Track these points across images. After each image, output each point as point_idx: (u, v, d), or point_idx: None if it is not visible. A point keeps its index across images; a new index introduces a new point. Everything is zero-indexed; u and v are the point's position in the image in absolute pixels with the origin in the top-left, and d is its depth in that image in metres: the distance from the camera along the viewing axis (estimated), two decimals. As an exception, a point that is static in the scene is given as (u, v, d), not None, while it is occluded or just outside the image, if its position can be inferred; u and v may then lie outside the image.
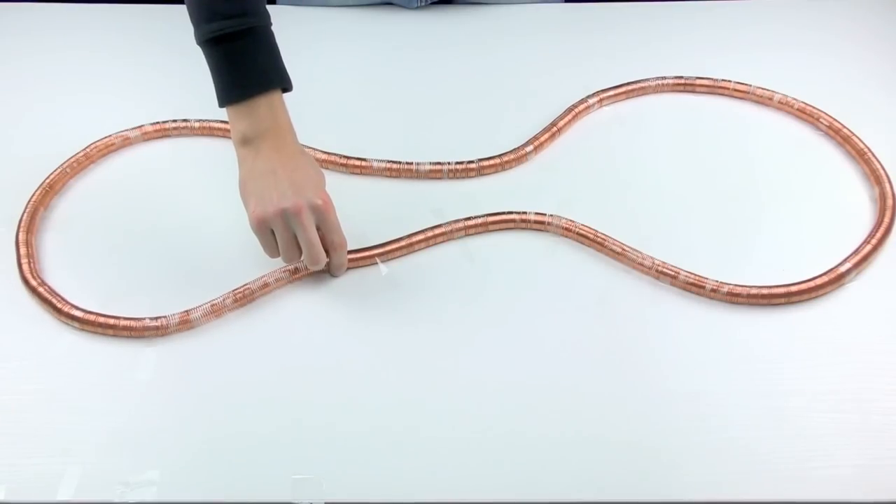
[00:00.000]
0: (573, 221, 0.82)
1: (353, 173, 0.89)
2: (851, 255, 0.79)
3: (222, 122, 0.93)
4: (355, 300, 0.78)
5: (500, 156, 0.90)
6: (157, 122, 0.94)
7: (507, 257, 0.82)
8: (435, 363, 0.73)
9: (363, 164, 0.89)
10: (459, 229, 0.83)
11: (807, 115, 0.94)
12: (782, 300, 0.76)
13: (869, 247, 0.79)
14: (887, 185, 0.85)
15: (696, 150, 0.92)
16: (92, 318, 0.75)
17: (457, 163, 0.89)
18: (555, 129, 0.92)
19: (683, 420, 0.69)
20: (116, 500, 0.64)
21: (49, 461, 0.66)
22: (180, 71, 0.99)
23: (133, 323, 0.74)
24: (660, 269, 0.78)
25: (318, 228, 0.75)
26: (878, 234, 0.80)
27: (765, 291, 0.76)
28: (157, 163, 0.92)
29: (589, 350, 0.73)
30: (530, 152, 0.91)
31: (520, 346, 0.74)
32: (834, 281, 0.77)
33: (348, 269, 0.80)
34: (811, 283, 0.76)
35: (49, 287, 0.77)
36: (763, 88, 0.96)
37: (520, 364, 0.73)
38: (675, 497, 0.65)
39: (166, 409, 0.70)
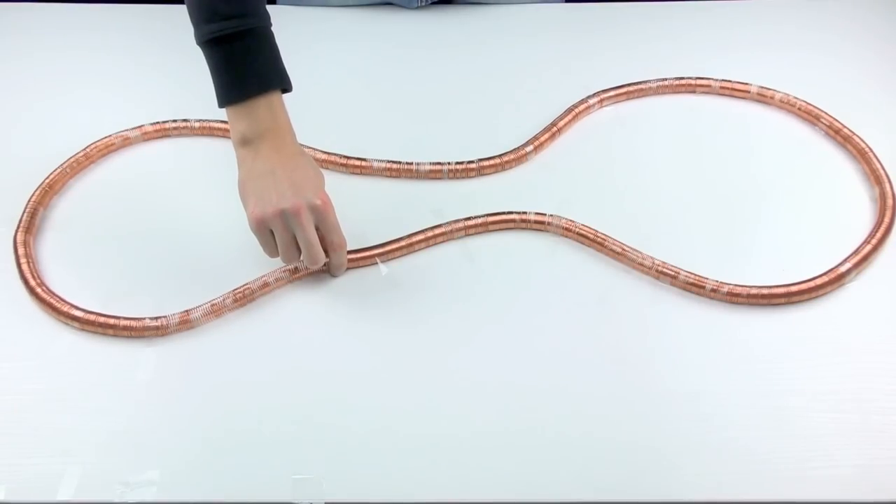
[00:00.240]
0: (573, 221, 0.82)
1: (353, 173, 0.89)
2: (851, 254, 0.79)
3: (222, 122, 0.93)
4: (355, 300, 0.78)
5: (500, 156, 0.90)
6: (157, 122, 0.94)
7: (507, 257, 0.82)
8: (435, 363, 0.73)
9: (363, 164, 0.89)
10: (459, 229, 0.83)
11: (807, 114, 0.94)
12: (782, 300, 0.76)
13: (869, 247, 0.79)
14: (887, 185, 0.85)
15: (696, 151, 0.92)
16: (92, 318, 0.75)
17: (457, 163, 0.89)
18: (555, 129, 0.92)
19: (683, 420, 0.69)
20: (116, 500, 0.64)
21: (49, 461, 0.66)
22: (180, 71, 0.99)
23: (133, 323, 0.74)
24: (660, 269, 0.78)
25: (317, 228, 0.75)
26: (878, 234, 0.80)
27: (765, 291, 0.76)
28: (157, 163, 0.92)
29: (589, 350, 0.73)
30: (530, 152, 0.91)
31: (520, 346, 0.74)
32: (834, 281, 0.77)
33: (348, 269, 0.80)
34: (811, 283, 0.76)
35: (48, 287, 0.77)
36: (764, 88, 0.96)
37: (520, 364, 0.73)
38: (675, 497, 0.65)
39: (166, 409, 0.70)
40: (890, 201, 0.83)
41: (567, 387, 0.71)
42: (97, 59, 1.04)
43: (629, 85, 0.97)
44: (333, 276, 0.80)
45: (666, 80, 0.98)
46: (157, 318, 0.75)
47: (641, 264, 0.79)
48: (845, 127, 0.91)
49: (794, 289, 0.76)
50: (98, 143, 0.91)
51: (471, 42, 1.06)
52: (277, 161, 0.74)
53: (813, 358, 0.72)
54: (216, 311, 0.76)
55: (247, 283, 0.77)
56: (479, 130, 0.94)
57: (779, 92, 0.95)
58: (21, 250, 0.80)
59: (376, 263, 0.81)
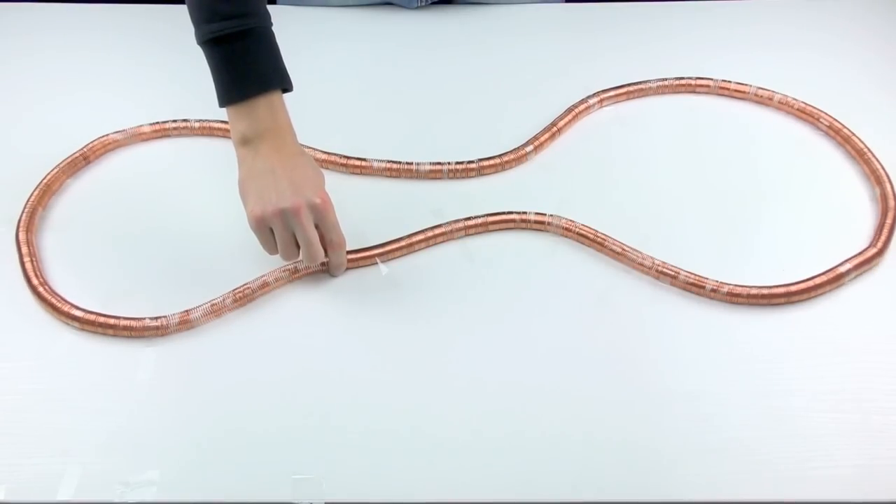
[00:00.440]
0: (573, 221, 0.82)
1: (353, 173, 0.89)
2: (853, 256, 0.79)
3: (222, 121, 0.93)
4: (355, 300, 0.78)
5: (500, 156, 0.90)
6: (157, 122, 0.94)
7: (507, 257, 0.82)
8: (435, 363, 0.73)
9: (363, 164, 0.89)
10: (459, 229, 0.83)
11: (807, 115, 0.94)
12: (782, 300, 0.76)
13: (869, 247, 0.79)
14: (887, 185, 0.85)
15: (696, 151, 0.92)
16: (92, 318, 0.75)
17: (457, 163, 0.89)
18: (555, 129, 0.92)
19: (683, 420, 0.69)
20: (116, 500, 0.64)
21: (49, 461, 0.66)
22: (180, 71, 0.99)
23: (133, 323, 0.74)
24: (660, 269, 0.78)
25: (316, 227, 0.75)
26: (878, 235, 0.80)
27: (764, 291, 0.76)
28: (157, 163, 0.92)
29: (589, 350, 0.73)
30: (530, 152, 0.91)
31: (520, 345, 0.74)
32: (833, 281, 0.77)
33: (348, 269, 0.80)
34: (811, 283, 0.76)
35: (49, 287, 0.77)
36: (763, 88, 0.96)
37: (520, 364, 0.73)
38: (675, 497, 0.65)
39: (166, 409, 0.70)
40: (890, 201, 0.83)
41: (567, 386, 0.71)
42: (97, 59, 1.04)
43: (629, 85, 0.97)
44: (333, 275, 0.80)
45: (666, 80, 0.98)
46: (157, 318, 0.75)
47: (641, 264, 0.79)
48: (845, 127, 0.91)
49: (793, 288, 0.76)
50: (97, 143, 0.91)
51: (471, 42, 1.06)
52: (277, 160, 0.74)
53: (813, 358, 0.72)
54: (216, 311, 0.76)
55: (246, 283, 0.77)
56: (479, 130, 0.94)
57: (778, 92, 0.95)
58: (24, 249, 0.80)
59: (376, 263, 0.81)
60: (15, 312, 0.77)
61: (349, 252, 0.79)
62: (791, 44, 1.04)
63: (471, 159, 0.89)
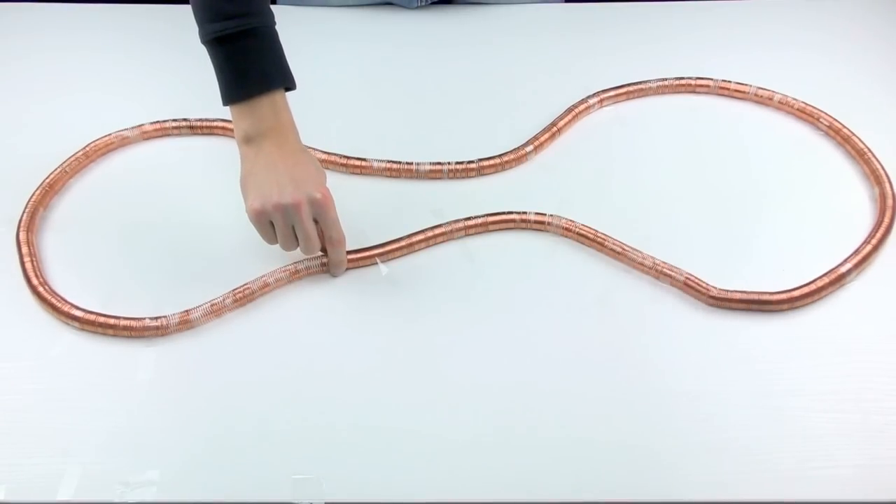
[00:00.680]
0: (573, 221, 0.82)
1: (353, 173, 0.90)
2: (852, 255, 0.79)
3: (222, 121, 0.93)
4: (355, 300, 0.78)
5: (500, 156, 0.90)
6: (157, 122, 0.94)
7: (507, 257, 0.82)
8: (435, 363, 0.73)
9: (363, 164, 0.89)
10: (459, 229, 0.83)
11: (807, 115, 0.94)
12: (785, 306, 0.76)
13: (869, 247, 0.79)
14: (887, 185, 0.85)
15: (696, 151, 0.92)
16: (92, 318, 0.75)
17: (457, 163, 0.89)
18: (555, 129, 0.92)
19: (683, 420, 0.69)
20: (116, 500, 0.64)
21: (49, 461, 0.66)
22: (180, 70, 0.99)
23: (133, 323, 0.74)
24: (660, 269, 0.78)
25: (316, 224, 0.75)
26: (878, 234, 0.80)
27: (766, 297, 0.76)
28: (157, 162, 0.92)
29: (589, 350, 0.73)
30: (530, 152, 0.91)
31: (520, 345, 0.74)
32: (835, 282, 0.77)
33: (348, 269, 0.80)
34: (813, 286, 0.76)
35: (49, 287, 0.77)
36: (763, 88, 0.96)
37: (520, 364, 0.73)
38: (675, 497, 0.65)
39: (166, 409, 0.70)
40: (890, 201, 0.83)
41: (567, 387, 0.71)
42: (97, 59, 1.04)
43: (629, 85, 0.97)
44: (333, 275, 0.80)
45: (666, 80, 0.98)
46: (157, 318, 0.75)
47: (641, 264, 0.79)
48: (845, 127, 0.91)
49: (796, 293, 0.76)
50: (98, 143, 0.91)
51: (471, 42, 1.06)
52: (279, 157, 0.75)
53: (813, 358, 0.72)
54: (216, 311, 0.76)
55: (247, 283, 0.77)
56: (479, 130, 0.94)
57: (778, 92, 0.95)
58: (24, 249, 0.80)
59: (376, 263, 0.81)
60: (15, 312, 0.77)
61: (349, 252, 0.79)
62: (791, 44, 1.04)
63: (471, 159, 0.89)
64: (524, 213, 0.83)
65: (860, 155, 0.89)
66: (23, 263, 0.79)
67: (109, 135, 0.92)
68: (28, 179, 0.87)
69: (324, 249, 0.79)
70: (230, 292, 0.77)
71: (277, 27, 0.76)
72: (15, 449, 0.67)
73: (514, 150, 0.90)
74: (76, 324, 0.75)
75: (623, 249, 0.80)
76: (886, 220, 0.82)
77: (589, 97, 0.96)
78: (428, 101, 0.98)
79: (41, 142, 0.93)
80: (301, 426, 0.69)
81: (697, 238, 0.82)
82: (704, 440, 0.67)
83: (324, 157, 0.89)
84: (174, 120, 0.94)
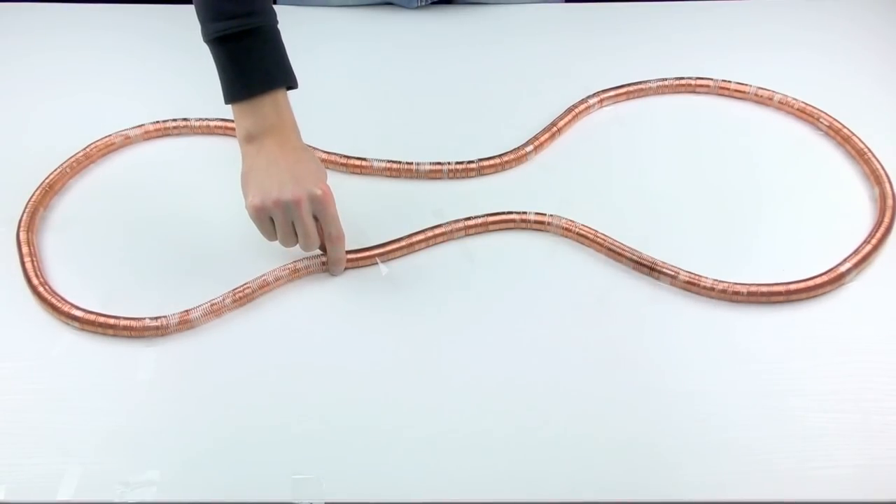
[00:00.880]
0: (573, 221, 0.82)
1: (353, 173, 0.90)
2: (851, 254, 0.79)
3: (223, 121, 0.93)
4: (355, 300, 0.78)
5: (500, 156, 0.90)
6: (158, 122, 0.94)
7: (507, 257, 0.82)
8: (435, 363, 0.73)
9: (363, 164, 0.89)
10: (459, 229, 0.83)
11: (807, 115, 0.94)
12: (782, 298, 0.76)
13: (869, 247, 0.79)
14: (887, 185, 0.85)
15: (696, 151, 0.92)
16: (92, 318, 0.75)
17: (457, 163, 0.89)
18: (555, 129, 0.92)
19: (683, 420, 0.69)
20: (116, 500, 0.64)
21: (49, 461, 0.66)
22: (180, 70, 0.99)
23: (133, 323, 0.74)
24: (660, 269, 0.78)
25: (316, 221, 0.75)
26: (878, 234, 0.80)
27: (764, 290, 0.76)
28: (158, 162, 0.92)
29: (589, 350, 0.73)
30: (530, 152, 0.91)
31: (519, 345, 0.74)
32: (834, 280, 0.77)
33: (348, 269, 0.80)
34: (811, 283, 0.76)
35: (49, 287, 0.77)
36: (763, 88, 0.96)
37: (519, 364, 0.73)
38: (675, 497, 0.65)
39: (166, 409, 0.70)
40: (890, 201, 0.83)
41: (567, 386, 0.71)
42: (97, 59, 1.04)
43: (629, 85, 0.97)
44: (332, 273, 0.80)
45: (666, 80, 0.98)
46: (157, 318, 0.75)
47: (641, 264, 0.79)
48: (845, 127, 0.91)
49: (793, 287, 0.76)
50: (98, 143, 0.91)
51: (471, 42, 1.06)
52: (280, 155, 0.75)
53: (813, 358, 0.72)
54: (216, 310, 0.76)
55: (247, 283, 0.77)
56: (479, 130, 0.94)
57: (778, 92, 0.95)
58: (24, 249, 0.80)
59: (376, 263, 0.81)
60: (15, 312, 0.77)
61: (349, 252, 0.79)
62: (791, 44, 1.04)
63: (471, 159, 0.89)
64: (524, 213, 0.83)
65: (860, 155, 0.89)
66: (23, 263, 0.79)
67: (110, 135, 0.92)
68: (28, 179, 0.87)
69: (323, 247, 0.79)
70: (230, 292, 0.77)
71: (278, 27, 0.76)
72: (15, 449, 0.67)
73: (514, 150, 0.90)
74: (76, 324, 0.75)
75: (623, 249, 0.80)
76: (886, 220, 0.82)
77: (589, 97, 0.96)
78: (428, 101, 0.98)
79: (41, 142, 0.93)
80: (301, 426, 0.69)
81: (697, 238, 0.82)
82: (704, 440, 0.67)
83: (324, 156, 0.89)
84: (174, 120, 0.94)
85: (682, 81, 0.98)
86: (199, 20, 0.74)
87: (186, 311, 0.75)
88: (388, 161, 0.89)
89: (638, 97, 0.98)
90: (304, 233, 0.75)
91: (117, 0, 1.11)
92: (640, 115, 0.96)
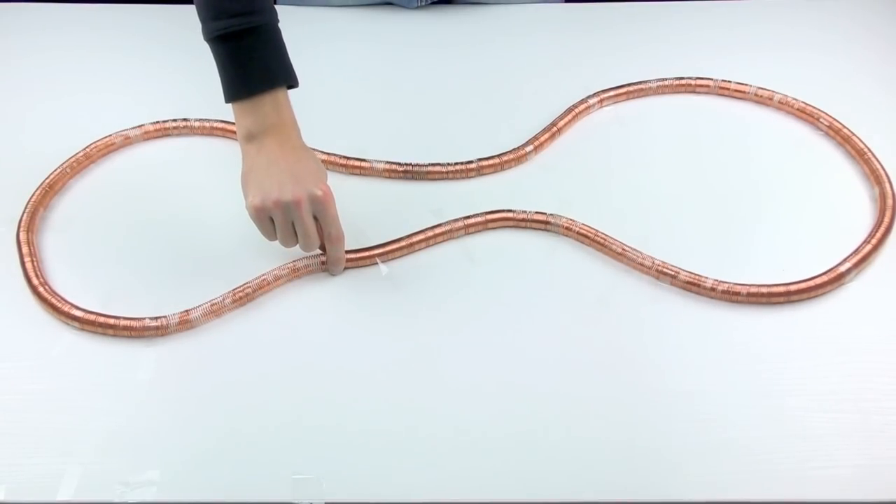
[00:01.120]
0: (573, 221, 0.82)
1: (353, 173, 0.90)
2: (851, 254, 0.79)
3: (223, 121, 0.93)
4: (355, 300, 0.78)
5: (499, 156, 0.90)
6: (158, 122, 0.94)
7: (507, 257, 0.82)
8: (435, 363, 0.73)
9: (363, 164, 0.89)
10: (459, 228, 0.83)
11: (807, 115, 0.94)
12: (782, 299, 0.76)
13: (869, 247, 0.79)
14: (887, 185, 0.85)
15: (696, 151, 0.92)
16: (92, 318, 0.75)
17: (457, 163, 0.89)
18: (555, 129, 0.92)
19: (683, 420, 0.69)
20: (116, 500, 0.64)
21: (49, 461, 0.66)
22: (180, 70, 0.99)
23: (133, 323, 0.74)
24: (660, 268, 0.78)
25: (316, 221, 0.75)
26: (878, 234, 0.80)
27: (764, 290, 0.76)
28: (158, 162, 0.92)
29: (589, 349, 0.73)
30: (530, 152, 0.91)
31: (520, 345, 0.74)
32: (834, 280, 0.77)
33: (348, 268, 0.80)
34: (811, 283, 0.76)
35: (49, 287, 0.77)
36: (763, 88, 0.96)
37: (520, 364, 0.73)
38: (675, 497, 0.65)
39: (166, 409, 0.70)
40: (890, 201, 0.83)
41: (567, 386, 0.71)
42: (97, 59, 1.04)
43: (629, 85, 0.97)
44: (331, 273, 0.80)
45: (666, 80, 0.98)
46: (157, 318, 0.75)
47: (641, 264, 0.79)
48: (845, 127, 0.91)
49: (793, 287, 0.76)
50: (98, 143, 0.91)
51: (471, 42, 1.06)
52: (281, 154, 0.75)
53: (813, 358, 0.72)
54: (216, 310, 0.76)
55: (247, 283, 0.77)
56: (479, 130, 0.94)
57: (778, 92, 0.95)
58: (24, 249, 0.80)
59: (376, 263, 0.81)
60: (15, 312, 0.77)
61: (349, 252, 0.79)
62: (791, 44, 1.04)
63: (470, 159, 0.89)
64: (524, 212, 0.83)
65: (860, 155, 0.89)
66: (23, 263, 0.79)
67: (110, 135, 0.92)
68: (28, 179, 0.87)
69: (323, 247, 0.79)
70: (230, 292, 0.77)
71: (279, 26, 0.76)
72: (15, 449, 0.67)
73: (514, 149, 0.90)
74: (76, 324, 0.75)
75: (623, 249, 0.80)
76: (886, 220, 0.82)
77: (589, 97, 0.96)
78: (428, 101, 0.98)
79: (41, 142, 0.93)
80: (301, 426, 0.69)
81: (697, 238, 0.82)
82: (704, 440, 0.67)
83: (324, 157, 0.89)
84: (174, 120, 0.94)
85: (682, 81, 0.98)
86: (200, 18, 0.74)
87: (186, 311, 0.75)
88: (388, 162, 0.89)
89: (638, 97, 0.98)
90: (304, 233, 0.75)
91: (117, 0, 1.11)
92: (640, 115, 0.96)
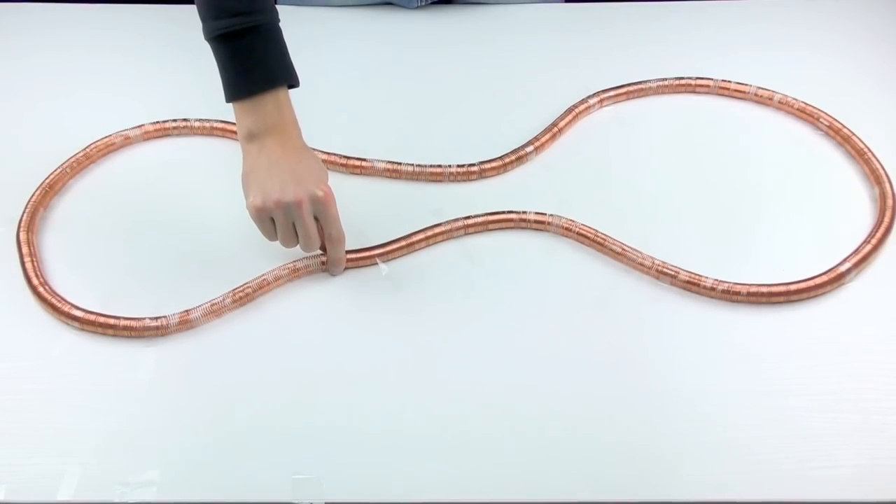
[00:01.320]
0: (573, 221, 0.82)
1: (353, 173, 0.89)
2: (851, 254, 0.79)
3: (223, 121, 0.93)
4: (355, 300, 0.78)
5: (500, 157, 0.90)
6: (158, 122, 0.94)
7: (507, 257, 0.82)
8: (435, 363, 0.73)
9: (363, 164, 0.89)
10: (459, 229, 0.83)
11: (807, 114, 0.94)
12: (782, 298, 0.76)
13: (869, 247, 0.79)
14: (887, 185, 0.85)
15: (696, 151, 0.92)
16: (92, 318, 0.75)
17: (458, 166, 0.88)
18: (555, 129, 0.92)
19: (683, 420, 0.69)
20: (116, 500, 0.64)
21: (49, 461, 0.66)
22: (180, 70, 0.99)
23: (133, 323, 0.74)
24: (660, 268, 0.78)
25: (316, 221, 0.75)
26: (878, 234, 0.80)
27: (764, 290, 0.76)
28: (158, 162, 0.92)
29: (589, 350, 0.73)
30: (531, 153, 0.91)
31: (520, 345, 0.74)
32: (834, 280, 0.77)
33: (348, 268, 0.80)
34: (811, 283, 0.76)
35: (49, 287, 0.77)
36: (763, 88, 0.96)
37: (519, 364, 0.73)
38: (675, 497, 0.65)
39: (166, 409, 0.70)
40: (890, 201, 0.83)
41: (567, 386, 0.71)
42: (97, 59, 1.04)
43: (629, 85, 0.97)
44: (332, 273, 0.80)
45: (666, 80, 0.98)
46: (157, 318, 0.75)
47: (641, 264, 0.79)
48: (845, 127, 0.91)
49: (793, 287, 0.76)
50: (98, 143, 0.91)
51: (471, 42, 1.06)
52: (282, 154, 0.75)
53: (813, 358, 0.72)
54: (216, 310, 0.76)
55: (247, 283, 0.77)
56: (479, 131, 0.94)
57: (778, 92, 0.95)
58: (24, 249, 0.80)
59: (376, 263, 0.81)
60: (15, 312, 0.77)
61: (349, 252, 0.79)
62: (791, 44, 1.04)
63: (472, 162, 0.89)
64: (524, 212, 0.83)
65: (860, 155, 0.89)
66: (23, 263, 0.79)
67: (110, 135, 0.92)
68: (28, 179, 0.87)
69: (323, 248, 0.79)
70: (230, 292, 0.77)
71: (280, 25, 0.76)
72: (15, 449, 0.67)
73: (515, 150, 0.90)
74: (76, 324, 0.75)
75: (623, 249, 0.80)
76: (886, 220, 0.82)
77: (589, 97, 0.96)
78: (428, 101, 0.98)
79: (41, 142, 0.93)
80: (301, 426, 0.69)
81: (697, 238, 0.82)
82: (704, 440, 0.67)
83: (324, 157, 0.89)
84: (174, 120, 0.94)
85: (682, 81, 0.98)
86: (201, 18, 0.74)
87: (186, 311, 0.75)
88: (389, 162, 0.89)
89: (638, 97, 0.98)
90: (305, 233, 0.75)
91: (117, 0, 1.11)
92: (640, 115, 0.96)
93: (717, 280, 0.77)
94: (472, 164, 0.89)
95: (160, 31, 1.06)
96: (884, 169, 0.86)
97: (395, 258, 0.81)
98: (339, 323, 0.76)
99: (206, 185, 0.88)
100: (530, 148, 0.90)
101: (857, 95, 0.96)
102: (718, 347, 0.74)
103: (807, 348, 0.73)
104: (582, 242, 0.82)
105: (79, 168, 0.90)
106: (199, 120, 0.94)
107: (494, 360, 0.73)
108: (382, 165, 0.89)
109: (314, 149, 0.86)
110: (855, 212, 0.84)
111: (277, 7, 0.76)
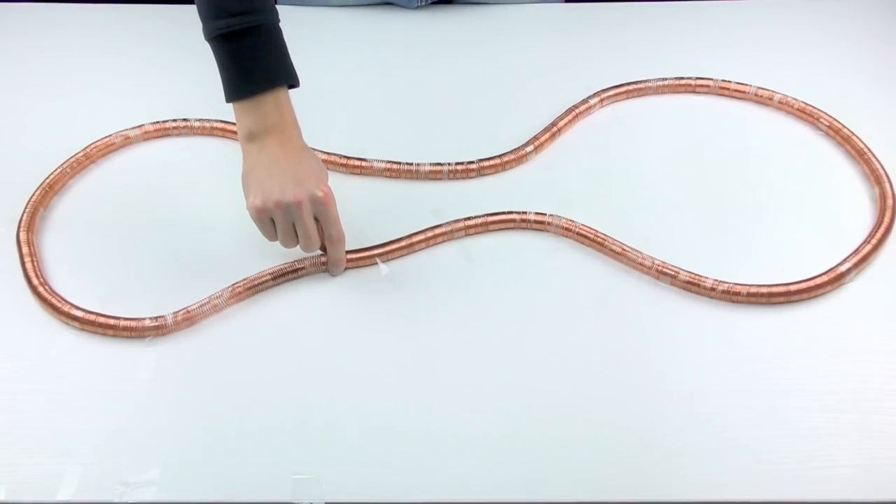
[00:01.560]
0: (573, 221, 0.82)
1: (353, 173, 0.90)
2: (851, 254, 0.79)
3: (223, 121, 0.93)
4: (355, 300, 0.78)
5: (500, 156, 0.90)
6: (158, 122, 0.94)
7: (507, 257, 0.82)
8: (435, 363, 0.73)
9: (363, 164, 0.89)
10: (459, 229, 0.83)
11: (807, 114, 0.94)
12: (782, 299, 0.76)
13: (869, 247, 0.79)
14: (887, 185, 0.85)
15: (696, 151, 0.92)
16: (92, 318, 0.75)
17: (457, 163, 0.89)
18: (555, 129, 0.92)
19: (683, 420, 0.69)
20: (116, 500, 0.64)
21: (49, 461, 0.66)
22: (180, 70, 0.99)
23: (133, 323, 0.74)
24: (660, 268, 0.78)
25: (316, 221, 0.75)
26: (878, 234, 0.80)
27: (764, 290, 0.76)
28: (158, 162, 0.92)
29: (589, 350, 0.73)
30: (530, 152, 0.91)
31: (520, 345, 0.74)
32: (834, 280, 0.77)
33: (348, 268, 0.80)
34: (811, 283, 0.76)
35: (49, 287, 0.77)
36: (763, 88, 0.96)
37: (520, 364, 0.73)
38: (675, 497, 0.65)
39: (166, 409, 0.70)
40: (890, 201, 0.83)
41: (567, 387, 0.71)
42: (97, 59, 1.04)
43: (629, 85, 0.97)
44: (332, 273, 0.80)
45: (666, 80, 0.98)
46: (157, 318, 0.75)
47: (641, 264, 0.79)
48: (845, 127, 0.91)
49: (793, 287, 0.76)
50: (98, 143, 0.91)
51: (471, 42, 1.06)
52: (282, 155, 0.75)
53: (813, 358, 0.72)
54: (216, 309, 0.76)
55: (247, 281, 0.77)
56: (479, 130, 0.94)
57: (778, 92, 0.95)
58: (24, 249, 0.80)
59: (376, 263, 0.81)
60: (15, 312, 0.77)
61: (349, 252, 0.79)
62: (791, 44, 1.04)
63: (471, 160, 0.89)
64: (524, 212, 0.83)
65: (860, 155, 0.89)
66: (23, 263, 0.79)
67: (110, 135, 0.92)
68: (28, 179, 0.87)
69: (323, 248, 0.79)
70: (229, 290, 0.77)
71: (280, 25, 0.76)
72: (15, 449, 0.67)
73: (515, 150, 0.90)
74: (76, 324, 0.75)
75: (623, 249, 0.80)
76: (886, 220, 0.82)
77: (589, 97, 0.96)
78: (428, 101, 0.98)
79: (41, 142, 0.93)
80: (301, 425, 0.69)
81: (697, 238, 0.82)
82: (704, 440, 0.67)
83: (324, 157, 0.89)
84: (174, 120, 0.94)
85: (682, 81, 0.98)
86: (201, 17, 0.74)
87: (186, 310, 0.75)
88: (388, 161, 0.89)
89: (638, 97, 0.98)
90: (305, 234, 0.75)
91: (117, 0, 1.11)
92: (640, 115, 0.96)
93: (717, 280, 0.77)
94: (471, 162, 0.89)
95: (160, 31, 1.06)
96: (884, 169, 0.86)
97: (395, 258, 0.81)
98: (339, 323, 0.76)
99: (206, 185, 0.88)
100: (530, 147, 0.90)
101: (857, 95, 0.96)
102: (718, 347, 0.74)
103: (807, 348, 0.73)
104: (582, 242, 0.82)
105: (79, 168, 0.90)
106: (199, 120, 0.94)
107: (494, 361, 0.73)
108: (382, 165, 0.89)
109: (314, 149, 0.86)
110: (855, 212, 0.84)
111: (277, 7, 0.76)
